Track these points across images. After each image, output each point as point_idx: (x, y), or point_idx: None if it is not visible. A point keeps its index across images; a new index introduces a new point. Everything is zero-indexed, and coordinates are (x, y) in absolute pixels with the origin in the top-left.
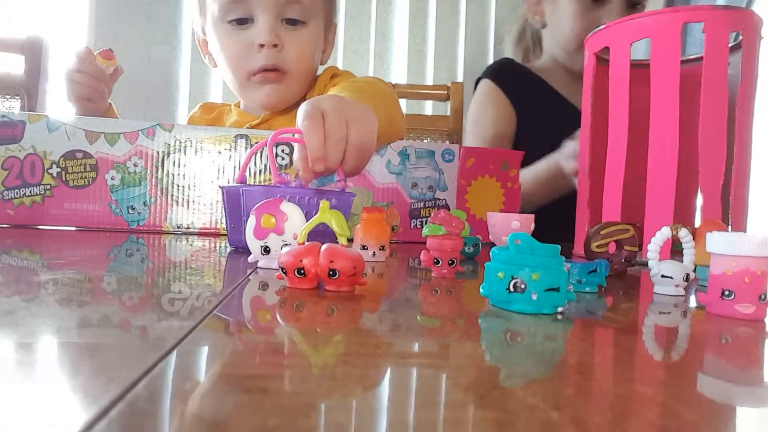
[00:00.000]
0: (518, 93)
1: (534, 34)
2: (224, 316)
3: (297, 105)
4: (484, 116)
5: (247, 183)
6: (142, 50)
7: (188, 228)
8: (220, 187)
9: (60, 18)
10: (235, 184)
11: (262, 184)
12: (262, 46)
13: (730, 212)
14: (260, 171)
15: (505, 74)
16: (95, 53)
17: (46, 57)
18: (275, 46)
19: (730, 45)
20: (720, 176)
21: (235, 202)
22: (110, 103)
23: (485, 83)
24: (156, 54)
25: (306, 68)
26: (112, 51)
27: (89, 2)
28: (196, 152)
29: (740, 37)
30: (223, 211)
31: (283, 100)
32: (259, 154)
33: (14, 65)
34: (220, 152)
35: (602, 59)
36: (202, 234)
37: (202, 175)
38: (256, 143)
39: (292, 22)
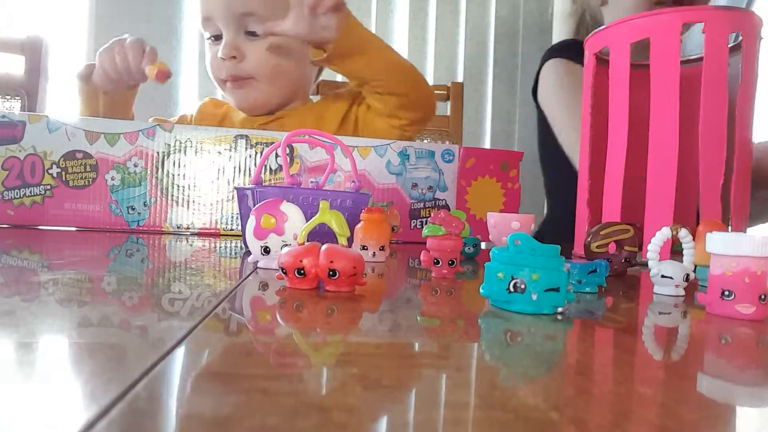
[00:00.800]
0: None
1: (594, 25)
2: (224, 316)
3: (288, 104)
4: (579, 100)
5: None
6: None
7: (188, 228)
8: (235, 188)
9: (60, 18)
10: (249, 185)
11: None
12: (223, 59)
13: (730, 212)
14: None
15: (578, 51)
16: (157, 57)
17: (46, 57)
18: (234, 57)
19: (730, 45)
20: (720, 176)
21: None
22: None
23: (559, 63)
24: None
25: (274, 71)
26: (170, 76)
27: (89, 2)
28: (196, 152)
29: (740, 38)
30: (238, 212)
31: (257, 102)
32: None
33: (14, 65)
34: (220, 152)
35: (602, 59)
36: (202, 234)
37: (202, 175)
38: (256, 143)
39: (253, 34)
